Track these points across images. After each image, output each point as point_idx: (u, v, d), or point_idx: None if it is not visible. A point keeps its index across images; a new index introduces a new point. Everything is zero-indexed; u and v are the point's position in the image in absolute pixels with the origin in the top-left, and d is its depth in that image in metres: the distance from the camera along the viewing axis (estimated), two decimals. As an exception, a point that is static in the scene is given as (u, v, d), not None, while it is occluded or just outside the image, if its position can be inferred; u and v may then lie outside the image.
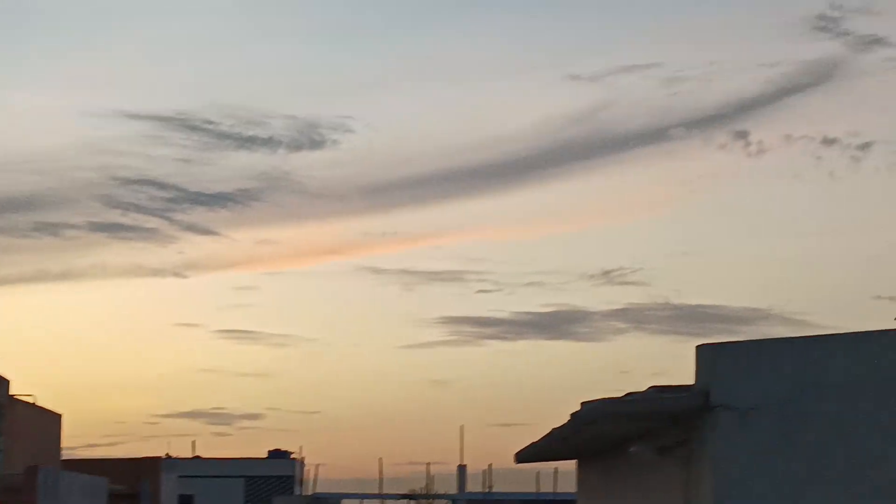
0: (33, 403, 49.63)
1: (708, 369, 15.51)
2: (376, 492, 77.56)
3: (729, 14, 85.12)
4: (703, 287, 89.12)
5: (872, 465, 15.36)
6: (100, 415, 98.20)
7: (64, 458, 55.31)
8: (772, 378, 15.43)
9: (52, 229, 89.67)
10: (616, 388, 18.77)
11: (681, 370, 16.00)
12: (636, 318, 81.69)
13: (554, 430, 20.09)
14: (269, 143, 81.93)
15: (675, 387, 16.23)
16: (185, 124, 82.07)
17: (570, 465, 31.59)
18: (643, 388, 16.87)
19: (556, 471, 56.99)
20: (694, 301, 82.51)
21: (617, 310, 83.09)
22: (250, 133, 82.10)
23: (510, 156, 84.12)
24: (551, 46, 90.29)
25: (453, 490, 74.42)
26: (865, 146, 71.94)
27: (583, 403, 17.63)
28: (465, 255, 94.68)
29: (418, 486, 69.73)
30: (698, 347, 15.75)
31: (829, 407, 15.42)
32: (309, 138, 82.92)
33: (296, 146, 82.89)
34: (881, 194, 78.79)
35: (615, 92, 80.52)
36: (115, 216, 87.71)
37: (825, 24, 70.32)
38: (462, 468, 65.39)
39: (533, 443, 24.04)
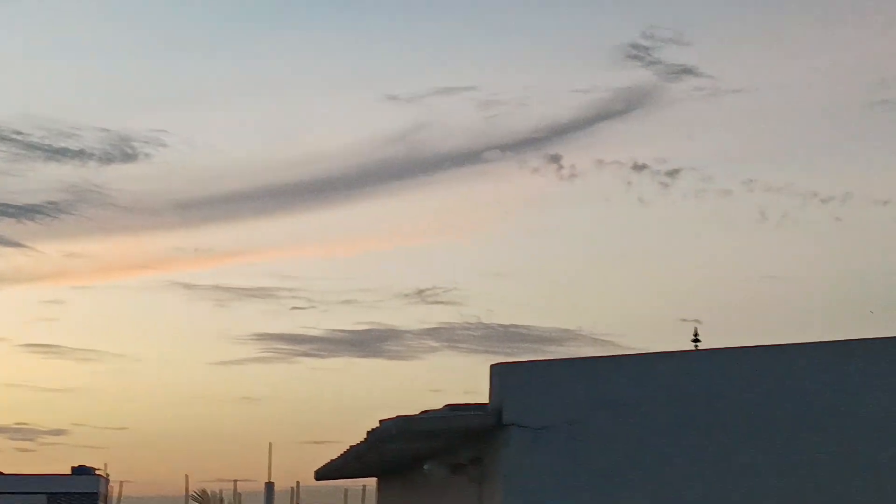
0: None
1: (501, 388, 15.58)
2: (182, 509, 76.77)
3: (544, 40, 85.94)
4: (514, 307, 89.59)
5: (661, 484, 15.59)
6: None
7: None
8: (564, 398, 15.56)
9: None
10: (425, 406, 18.82)
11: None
12: (449, 336, 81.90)
13: (351, 447, 20.06)
14: (80, 155, 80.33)
15: (469, 405, 16.28)
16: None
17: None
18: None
19: (363, 488, 56.82)
20: (506, 321, 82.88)
21: (430, 328, 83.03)
22: (61, 145, 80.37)
23: (326, 173, 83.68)
24: (370, 66, 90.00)
25: (260, 507, 74.02)
26: (674, 172, 73.17)
27: (381, 421, 17.61)
28: (279, 272, 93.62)
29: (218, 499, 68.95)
30: (493, 367, 15.79)
31: (619, 427, 15.61)
32: (121, 151, 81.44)
33: (107, 159, 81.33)
34: (688, 219, 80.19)
35: (432, 113, 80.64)
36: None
37: (637, 53, 71.15)
38: (270, 485, 64.76)
39: (332, 460, 23.99)
